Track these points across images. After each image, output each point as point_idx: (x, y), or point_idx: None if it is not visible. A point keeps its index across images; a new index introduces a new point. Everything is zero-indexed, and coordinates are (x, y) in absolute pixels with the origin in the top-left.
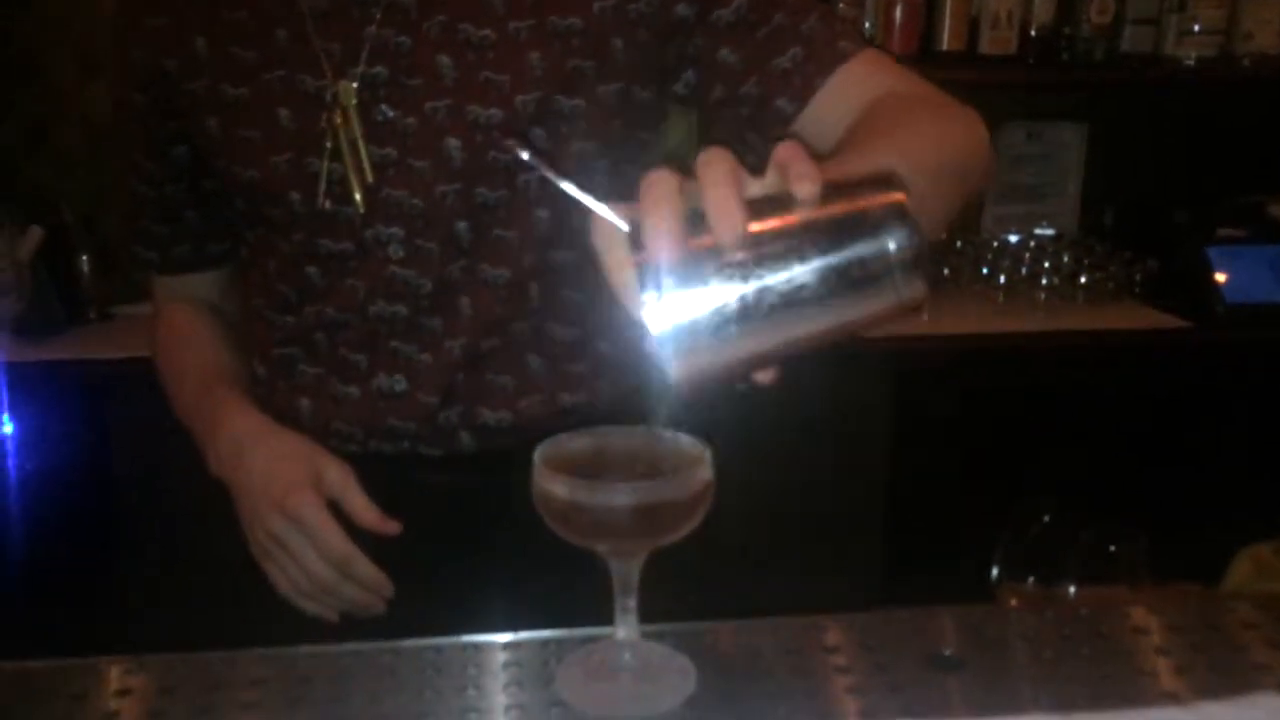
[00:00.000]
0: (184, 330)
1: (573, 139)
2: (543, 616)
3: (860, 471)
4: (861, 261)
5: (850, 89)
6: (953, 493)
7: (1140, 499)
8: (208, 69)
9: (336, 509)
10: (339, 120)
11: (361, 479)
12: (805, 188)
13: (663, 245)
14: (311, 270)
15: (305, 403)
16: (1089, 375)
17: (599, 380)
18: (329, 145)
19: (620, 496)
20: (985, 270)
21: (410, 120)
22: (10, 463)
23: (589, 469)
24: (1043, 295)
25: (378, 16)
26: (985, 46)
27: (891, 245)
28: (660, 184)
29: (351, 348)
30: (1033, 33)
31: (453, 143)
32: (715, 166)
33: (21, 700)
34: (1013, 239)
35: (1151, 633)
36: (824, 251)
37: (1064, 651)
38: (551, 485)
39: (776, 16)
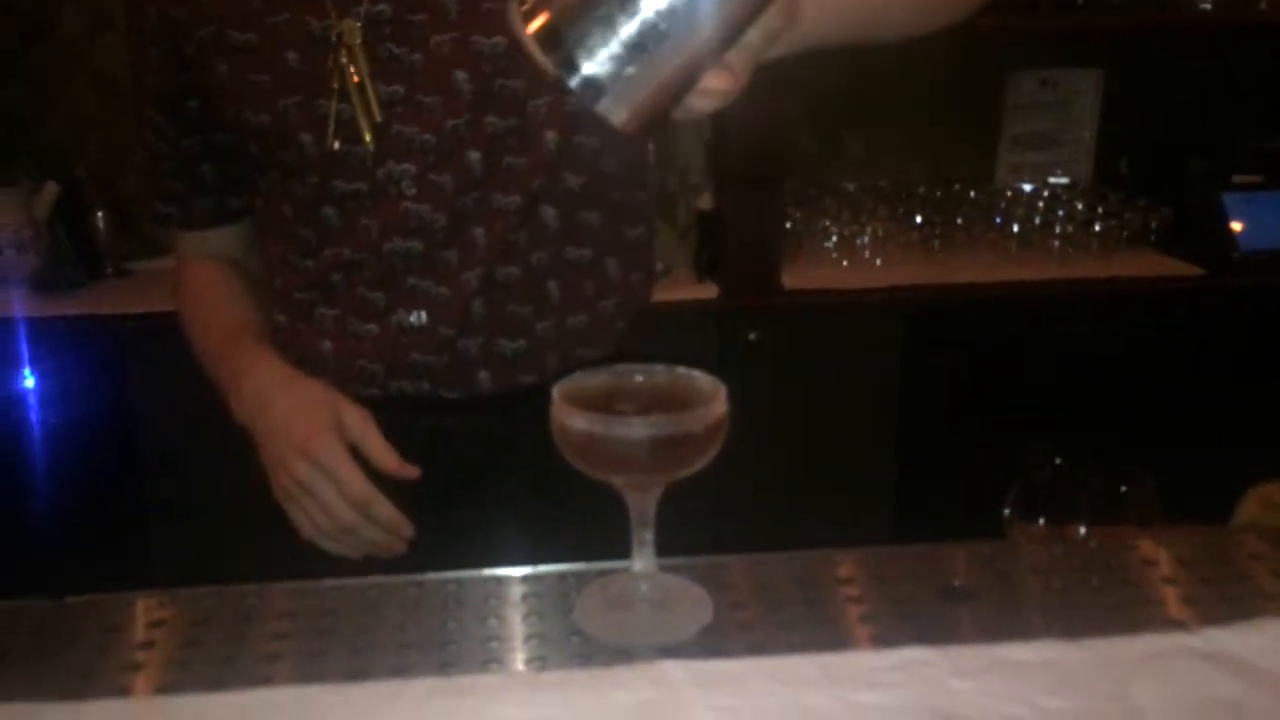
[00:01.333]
0: (207, 285)
1: None
2: (562, 554)
3: (872, 418)
4: None
5: None
6: (964, 439)
7: (1152, 443)
8: (214, 15)
9: (357, 454)
10: (345, 60)
11: (381, 424)
12: None
13: None
14: (328, 212)
15: (327, 345)
16: (1102, 323)
17: (607, 300)
18: (336, 86)
19: (637, 429)
20: (998, 219)
21: (416, 56)
22: (33, 416)
23: (606, 404)
24: (1056, 244)
25: None
26: None
27: None
28: None
29: (369, 286)
30: None
31: (460, 75)
32: None
33: (57, 635)
34: (1026, 187)
35: (1159, 564)
36: None
37: (1073, 582)
38: (570, 419)
39: None
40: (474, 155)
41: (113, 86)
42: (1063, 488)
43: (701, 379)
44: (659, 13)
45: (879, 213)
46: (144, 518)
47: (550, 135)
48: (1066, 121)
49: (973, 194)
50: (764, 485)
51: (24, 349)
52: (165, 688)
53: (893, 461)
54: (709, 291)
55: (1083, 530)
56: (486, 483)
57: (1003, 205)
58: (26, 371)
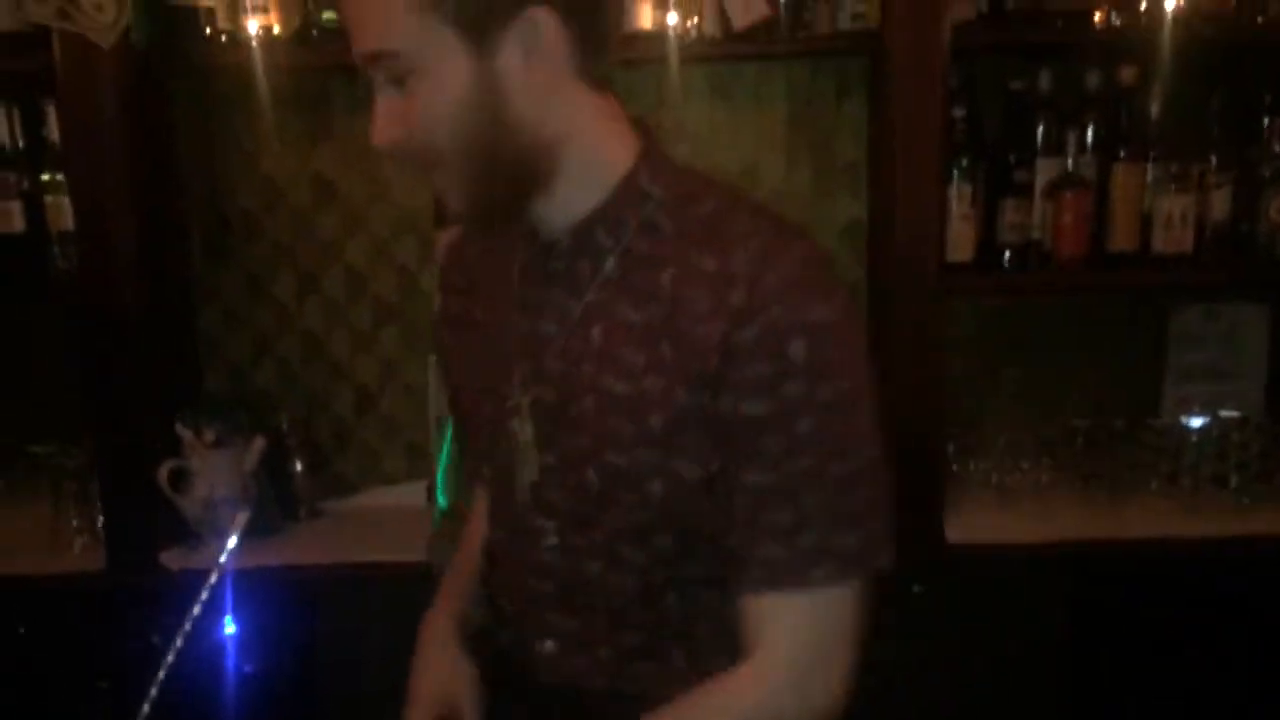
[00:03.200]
0: (470, 537)
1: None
2: None
3: (1036, 679)
4: None
5: (793, 606)
6: (1138, 713)
7: None
8: (457, 354)
9: None
10: (516, 422)
11: None
12: None
13: None
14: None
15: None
16: None
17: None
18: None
19: None
20: (1165, 460)
21: (566, 444)
22: (230, 664)
23: None
24: (1230, 495)
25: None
26: (1159, 246)
27: None
28: None
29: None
30: (1208, 231)
31: (590, 475)
32: None
33: None
34: (1195, 423)
35: None
36: None
37: None
38: None
39: (784, 513)
40: (599, 538)
41: (315, 343)
42: None
43: None
44: None
45: (1042, 460)
46: None
47: (661, 540)
48: (1234, 353)
49: (1135, 431)
50: None
51: (230, 597)
52: None
53: None
54: None
55: None
56: None
57: (1171, 445)
58: (228, 619)
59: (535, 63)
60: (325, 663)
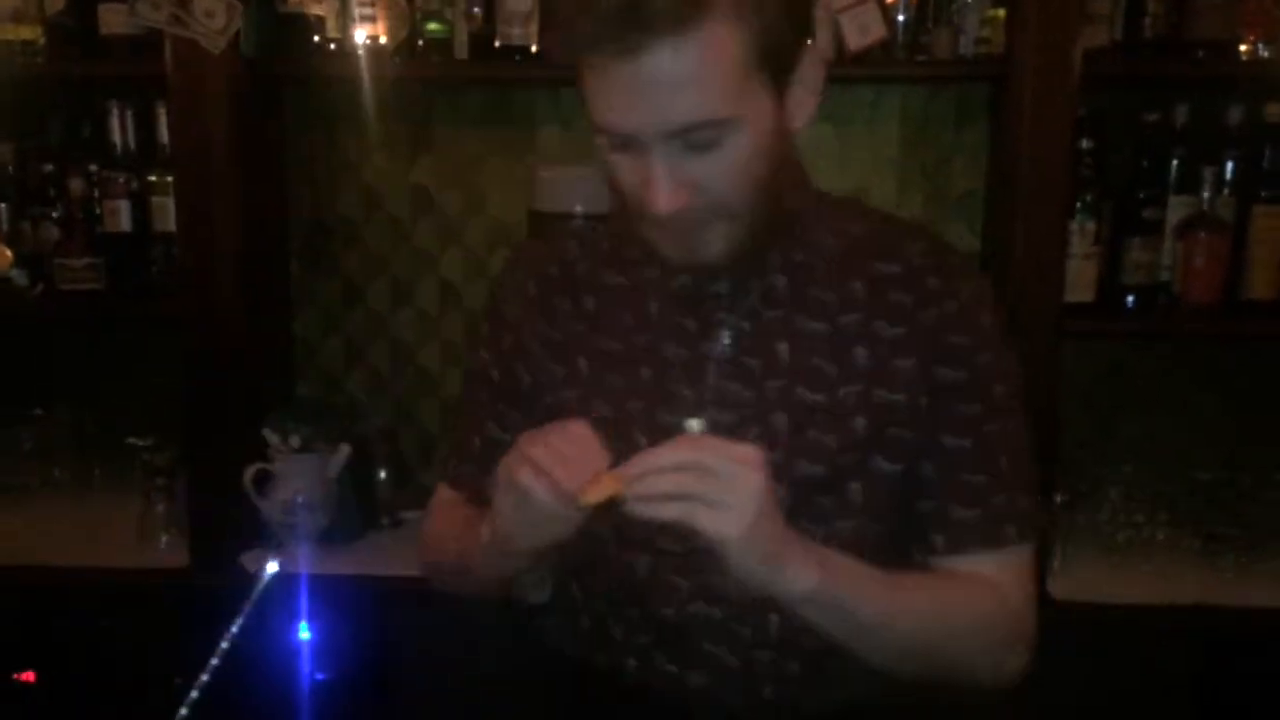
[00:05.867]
0: (457, 508)
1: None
2: None
3: None
4: None
5: (986, 567)
6: None
7: None
8: (582, 384)
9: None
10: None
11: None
12: None
13: None
14: (640, 561)
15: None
16: None
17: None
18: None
19: None
20: None
21: (748, 394)
22: (305, 670)
23: None
24: None
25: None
26: None
27: None
28: None
29: (660, 646)
30: None
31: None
32: None
33: None
34: None
35: None
36: None
37: None
38: None
39: (979, 475)
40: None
41: (407, 352)
42: None
43: None
44: None
45: (1159, 516)
46: None
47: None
48: None
49: (1265, 490)
50: None
51: (305, 603)
52: None
53: None
54: None
55: None
56: None
57: None
58: (304, 625)
59: (810, 94)
60: (398, 672)
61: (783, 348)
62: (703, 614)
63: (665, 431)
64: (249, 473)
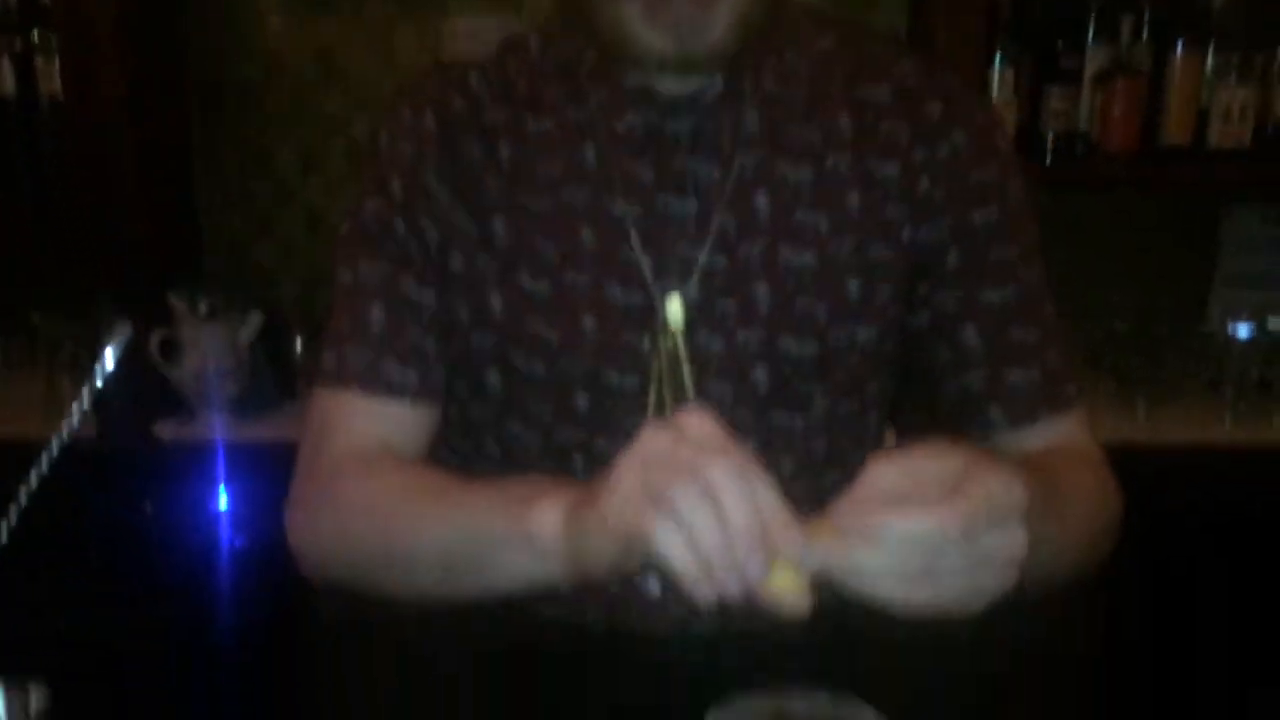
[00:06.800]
0: (416, 477)
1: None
2: None
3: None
4: None
5: (1056, 434)
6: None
7: None
8: (506, 257)
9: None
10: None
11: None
12: None
13: None
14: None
15: None
16: None
17: None
18: (656, 364)
19: None
20: (1209, 368)
21: (724, 345)
22: (225, 538)
23: None
24: (1276, 399)
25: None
26: (1214, 141)
27: None
28: None
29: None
30: (1269, 126)
31: (758, 375)
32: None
33: None
34: (1242, 331)
35: None
36: None
37: None
38: None
39: (1030, 329)
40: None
41: (320, 219)
42: None
43: (866, 716)
44: None
45: (1075, 360)
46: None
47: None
48: None
49: (1182, 339)
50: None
51: (222, 471)
52: None
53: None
54: None
55: None
56: None
57: (1215, 354)
58: (222, 493)
59: None
60: None
61: (762, 201)
62: None
63: (615, 311)
64: (154, 339)
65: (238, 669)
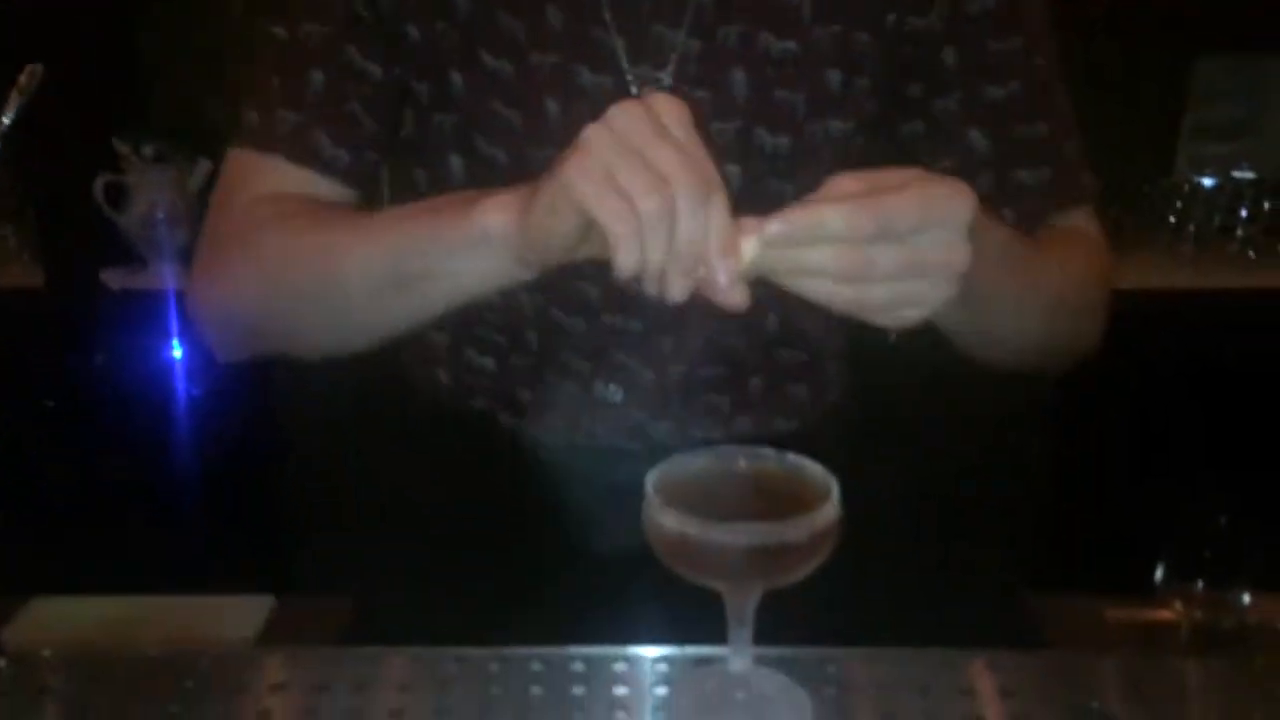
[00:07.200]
0: (344, 211)
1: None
2: (657, 627)
3: (1017, 442)
4: None
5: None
6: (1122, 474)
7: None
8: (466, 31)
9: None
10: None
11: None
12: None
13: None
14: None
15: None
16: None
17: (817, 406)
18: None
19: (734, 536)
20: (1175, 218)
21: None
22: (180, 387)
23: (705, 499)
24: (1238, 247)
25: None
26: None
27: None
28: None
29: (576, 353)
30: None
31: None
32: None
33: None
34: (1208, 182)
35: None
36: None
37: (1235, 714)
38: (662, 517)
39: (1038, 124)
40: None
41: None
42: (1227, 547)
43: (812, 471)
44: None
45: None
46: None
47: None
48: (1255, 110)
49: (1146, 187)
50: (891, 527)
51: (174, 322)
52: None
53: (1039, 495)
54: None
55: (1246, 598)
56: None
57: (1179, 204)
58: (175, 343)
59: None
60: (275, 384)
61: None
62: (619, 326)
63: (584, 95)
64: (98, 184)
65: (190, 520)
